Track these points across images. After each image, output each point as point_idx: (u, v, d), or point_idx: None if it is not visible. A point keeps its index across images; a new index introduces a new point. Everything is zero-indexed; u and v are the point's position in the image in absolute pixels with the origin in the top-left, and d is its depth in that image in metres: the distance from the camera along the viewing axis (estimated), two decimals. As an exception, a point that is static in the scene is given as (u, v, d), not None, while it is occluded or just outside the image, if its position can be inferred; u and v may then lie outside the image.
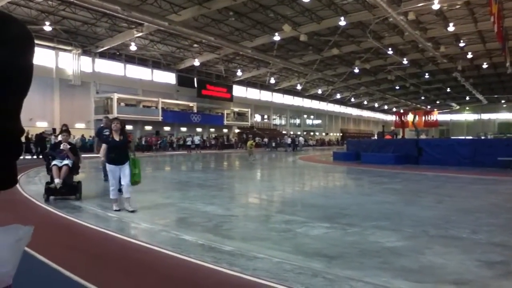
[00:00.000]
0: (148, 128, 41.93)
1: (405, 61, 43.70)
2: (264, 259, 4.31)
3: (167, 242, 5.08)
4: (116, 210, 7.02)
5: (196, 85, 47.22)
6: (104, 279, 3.76)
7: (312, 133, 70.37)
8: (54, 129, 29.68)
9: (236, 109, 53.54)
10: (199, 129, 47.85)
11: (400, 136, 37.73)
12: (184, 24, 30.32)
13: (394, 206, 7.82)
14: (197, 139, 40.53)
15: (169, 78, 45.30)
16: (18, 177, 0.73)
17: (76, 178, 8.72)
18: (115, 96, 37.22)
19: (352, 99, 74.38)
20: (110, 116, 18.06)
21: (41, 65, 31.55)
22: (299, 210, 7.75)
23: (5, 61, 0.65)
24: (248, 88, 56.53)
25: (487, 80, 60.68)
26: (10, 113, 0.68)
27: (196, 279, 3.87)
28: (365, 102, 79.78)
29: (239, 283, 3.73)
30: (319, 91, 64.05)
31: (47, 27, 29.24)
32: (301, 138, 50.95)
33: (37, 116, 30.62)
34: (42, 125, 30.99)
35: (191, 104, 46.91)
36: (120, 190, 8.70)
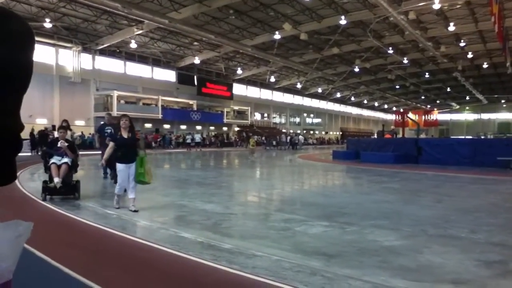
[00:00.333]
0: (148, 125, 41.93)
1: (405, 61, 43.71)
2: (263, 257, 4.32)
3: (166, 240, 5.08)
4: (116, 208, 6.91)
5: (196, 83, 47.22)
6: (103, 276, 3.76)
7: (312, 132, 70.37)
8: (53, 126, 29.66)
9: (236, 107, 53.55)
10: (198, 127, 47.87)
11: (399, 135, 37.72)
12: (184, 22, 30.30)
13: (393, 205, 7.83)
14: (198, 137, 40.55)
15: (169, 76, 45.27)
16: (18, 173, 0.73)
17: (75, 176, 8.37)
18: (115, 93, 37.22)
19: (352, 98, 74.38)
20: (112, 113, 17.99)
21: (41, 62, 31.52)
22: (298, 208, 7.76)
23: (5, 57, 0.65)
24: (248, 87, 56.52)
25: (487, 80, 60.69)
26: (10, 109, 0.68)
27: (195, 277, 3.87)
28: (365, 101, 79.78)
29: (238, 281, 3.73)
30: (319, 90, 64.04)
31: (47, 24, 29.22)
32: (300, 137, 50.98)
33: (37, 113, 30.62)
34: (41, 122, 30.98)
35: (191, 102, 46.90)
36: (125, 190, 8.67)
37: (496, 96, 70.65)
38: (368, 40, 36.16)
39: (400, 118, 38.82)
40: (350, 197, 9.33)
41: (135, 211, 6.69)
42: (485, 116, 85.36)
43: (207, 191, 9.63)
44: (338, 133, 77.24)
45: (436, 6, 26.62)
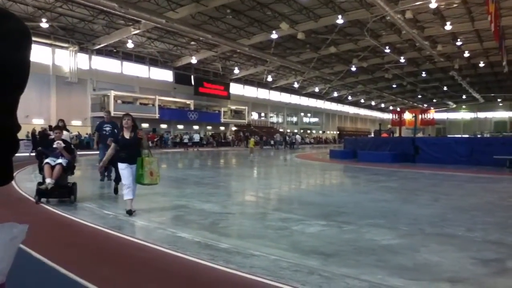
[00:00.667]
0: (145, 125, 41.88)
1: (402, 60, 43.81)
2: (260, 256, 4.32)
3: (164, 240, 5.07)
4: (127, 211, 6.46)
5: (193, 83, 47.19)
6: (100, 276, 3.76)
7: (309, 131, 70.41)
8: (50, 126, 29.58)
9: (233, 107, 53.53)
10: (196, 127, 47.83)
11: (396, 135, 37.77)
12: (182, 22, 30.27)
13: (390, 204, 7.84)
14: (197, 137, 40.50)
15: (166, 75, 45.23)
16: (14, 173, 0.72)
17: (72, 178, 8.03)
18: (112, 93, 37.16)
19: (349, 97, 74.48)
20: (112, 111, 17.78)
21: (37, 62, 31.45)
22: (296, 208, 7.77)
23: (1, 56, 0.65)
24: (245, 86, 56.51)
25: (484, 79, 60.88)
26: (6, 109, 0.68)
27: (192, 276, 3.87)
28: (362, 100, 79.89)
29: (235, 280, 3.73)
30: (316, 89, 64.09)
31: (44, 24, 29.14)
32: (298, 136, 51.03)
33: (34, 113, 30.55)
34: (38, 122, 30.87)
35: (188, 101, 46.87)
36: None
37: (492, 95, 70.88)
38: (365, 40, 36.21)
39: (397, 117, 38.88)
40: (347, 196, 9.34)
41: (129, 212, 6.41)
42: (481, 115, 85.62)
43: (204, 191, 9.62)
44: (335, 132, 77.33)
45: (433, 5, 26.67)
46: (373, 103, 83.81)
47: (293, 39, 37.23)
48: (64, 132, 9.66)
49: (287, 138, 47.76)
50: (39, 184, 7.47)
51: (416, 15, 31.25)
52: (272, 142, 47.40)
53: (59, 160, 7.56)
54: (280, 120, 65.53)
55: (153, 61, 43.16)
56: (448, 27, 32.00)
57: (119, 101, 38.76)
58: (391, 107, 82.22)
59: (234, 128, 54.39)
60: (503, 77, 54.50)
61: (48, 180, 7.25)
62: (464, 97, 73.68)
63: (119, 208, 7.07)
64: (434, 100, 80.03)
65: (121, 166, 6.55)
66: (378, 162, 18.61)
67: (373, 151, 21.22)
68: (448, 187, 10.87)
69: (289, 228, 5.73)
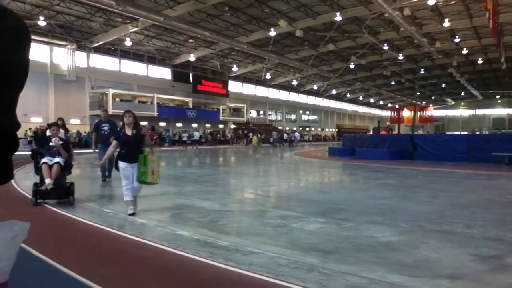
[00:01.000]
0: (144, 123, 41.83)
1: (400, 57, 43.79)
2: (259, 254, 4.32)
3: (163, 237, 5.08)
4: (130, 214, 6.30)
5: (191, 81, 47.11)
6: (99, 274, 3.75)
7: (308, 129, 70.42)
8: (48, 125, 29.55)
9: (232, 105, 53.49)
10: (194, 125, 47.79)
11: (395, 132, 37.83)
12: (179, 19, 30.20)
13: (389, 201, 7.85)
14: (197, 135, 40.49)
15: (164, 73, 45.17)
16: (14, 172, 0.72)
17: (69, 178, 7.81)
18: (110, 91, 37.12)
19: (348, 95, 74.47)
20: (110, 109, 17.61)
21: (35, 60, 31.35)
22: (295, 205, 7.77)
23: (0, 53, 0.64)
24: (244, 84, 56.47)
25: (482, 76, 60.95)
26: (5, 107, 0.67)
27: (192, 274, 3.87)
28: (361, 98, 79.93)
29: (235, 277, 3.73)
30: (315, 87, 64.08)
31: (42, 22, 29.04)
32: (297, 134, 51.06)
33: (32, 111, 30.47)
34: (37, 121, 30.87)
35: (186, 99, 46.82)
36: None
37: (491, 92, 70.93)
38: (363, 37, 36.20)
39: (395, 114, 38.94)
40: (346, 194, 9.34)
41: (131, 214, 6.26)
42: (480, 112, 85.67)
43: (203, 189, 9.63)
44: (334, 130, 77.36)
45: (431, 2, 26.68)
46: (371, 100, 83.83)
47: (291, 37, 37.20)
48: (61, 130, 9.48)
49: (286, 135, 47.82)
50: (36, 185, 7.17)
51: (414, 12, 31.22)
52: (271, 140, 47.48)
53: (57, 159, 7.30)
54: (279, 117, 65.52)
55: (151, 59, 43.09)
56: (446, 24, 32.01)
57: (117, 99, 38.71)
58: (389, 105, 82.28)
59: (233, 126, 54.37)
60: (501, 74, 54.54)
61: (47, 181, 6.96)
62: (462, 94, 73.74)
63: (118, 206, 7.06)
64: (433, 97, 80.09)
65: (122, 165, 6.33)
66: (377, 159, 18.62)
67: (371, 149, 21.23)
68: (447, 184, 10.88)
69: (288, 225, 5.74)
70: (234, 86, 53.87)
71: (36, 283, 3.58)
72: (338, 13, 29.99)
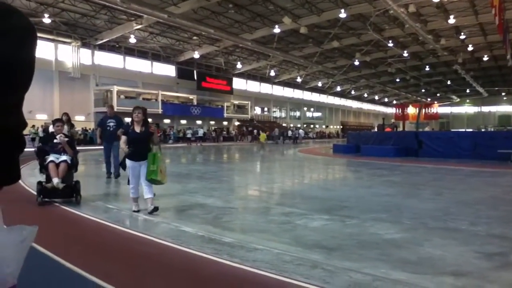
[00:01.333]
0: (148, 120, 41.81)
1: (405, 54, 43.61)
2: (263, 250, 4.33)
3: (167, 234, 5.10)
4: (135, 211, 6.28)
5: (196, 78, 47.12)
6: (104, 269, 3.78)
7: (312, 126, 70.31)
8: (53, 121, 29.63)
9: (236, 102, 53.47)
10: (199, 122, 47.83)
11: (400, 129, 37.68)
12: (184, 16, 30.20)
13: (393, 198, 7.84)
14: (201, 132, 40.54)
15: (168, 70, 45.20)
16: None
17: (74, 176, 7.51)
18: (115, 88, 37.20)
19: (352, 92, 74.26)
20: (115, 106, 17.33)
21: (40, 57, 31.42)
22: (299, 202, 7.77)
23: (5, 53, 0.63)
24: (248, 81, 56.42)
25: (488, 73, 60.58)
26: (11, 107, 0.66)
27: (196, 270, 3.89)
28: (365, 95, 79.66)
29: (239, 274, 3.75)
30: (319, 84, 63.94)
31: (46, 19, 29.14)
32: (301, 131, 51.02)
33: (37, 108, 30.57)
34: (42, 118, 30.98)
35: (191, 96, 46.84)
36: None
37: (496, 88, 70.55)
38: (368, 34, 36.05)
39: (400, 111, 38.76)
40: (350, 191, 9.34)
41: (155, 208, 6.11)
42: (485, 109, 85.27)
43: (207, 185, 9.65)
44: (338, 127, 77.19)
45: (436, -2, 26.53)
46: (376, 97, 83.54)
47: (296, 34, 37.10)
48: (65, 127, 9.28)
49: (291, 132, 47.83)
50: (40, 183, 6.91)
51: (419, 9, 31.07)
52: (278, 137, 47.57)
53: (64, 157, 7.04)
54: (283, 114, 65.44)
55: (156, 56, 43.11)
56: (451, 20, 31.78)
57: (122, 96, 38.79)
58: (394, 102, 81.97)
59: (237, 123, 54.37)
60: (507, 71, 54.15)
61: (55, 180, 6.70)
62: (468, 91, 73.36)
63: (122, 203, 7.09)
64: (438, 94, 79.70)
65: (129, 163, 6.24)
66: (381, 156, 18.57)
67: (376, 146, 21.17)
68: (451, 181, 10.84)
69: (292, 222, 5.75)
70: (238, 83, 53.84)
71: (41, 278, 3.61)
72: (342, 10, 29.87)
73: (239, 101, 53.78)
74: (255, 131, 46.70)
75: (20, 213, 6.01)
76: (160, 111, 41.71)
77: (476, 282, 3.49)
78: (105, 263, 4.05)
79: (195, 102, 46.91)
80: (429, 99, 76.28)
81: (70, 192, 6.98)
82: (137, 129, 6.30)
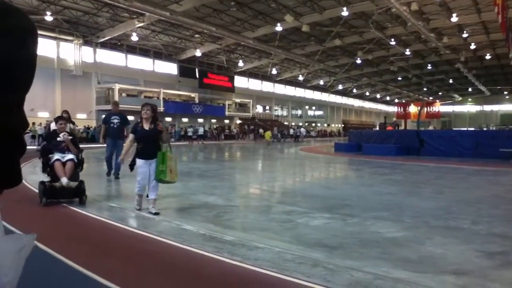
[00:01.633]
0: (157, 118, 41.73)
1: (407, 52, 43.49)
2: (265, 249, 4.34)
3: (168, 232, 5.11)
4: (137, 209, 6.25)
5: (197, 76, 47.09)
6: (105, 267, 3.79)
7: (314, 124, 70.24)
8: (55, 118, 29.66)
9: (238, 100, 53.39)
10: (200, 120, 47.82)
11: (401, 127, 37.66)
12: (186, 14, 30.16)
13: (395, 197, 7.84)
14: (201, 130, 40.57)
15: (170, 68, 45.18)
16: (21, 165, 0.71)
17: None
18: (117, 86, 37.16)
19: (354, 90, 74.08)
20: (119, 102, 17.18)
21: (42, 55, 31.44)
22: (300, 200, 7.77)
23: (5, 52, 0.62)
24: (250, 79, 56.35)
25: (490, 72, 60.40)
26: (11, 107, 0.65)
27: (197, 268, 3.90)
28: (367, 93, 79.49)
29: (240, 272, 3.76)
30: (321, 82, 63.83)
31: (48, 17, 29.13)
32: (302, 129, 51.01)
33: (39, 106, 30.61)
34: (43, 116, 31.01)
35: (192, 94, 46.82)
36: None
37: (499, 87, 70.32)
38: (370, 32, 35.95)
39: (402, 110, 38.74)
40: (352, 189, 9.34)
41: (155, 213, 5.99)
42: (487, 107, 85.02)
43: (209, 184, 9.65)
44: (340, 125, 77.10)
45: (439, -4, 26.45)
46: (378, 96, 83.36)
47: (298, 32, 37.03)
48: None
49: (292, 131, 47.91)
50: (43, 183, 6.63)
51: (422, 7, 30.95)
52: (279, 136, 47.64)
53: (70, 156, 6.82)
54: (285, 113, 65.37)
55: (158, 54, 43.10)
56: (454, 19, 31.68)
57: (123, 94, 38.75)
58: (396, 100, 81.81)
59: (238, 121, 54.35)
60: (509, 70, 53.99)
61: (64, 180, 6.49)
62: (470, 89, 73.14)
63: (125, 201, 7.10)
64: (440, 93, 79.49)
65: (139, 163, 6.10)
66: (383, 155, 18.56)
67: (378, 144, 21.16)
68: (453, 180, 10.84)
69: (293, 220, 5.75)
70: (240, 81, 53.78)
71: (43, 276, 3.62)
72: (344, 8, 29.80)
73: (240, 99, 53.72)
74: (260, 130, 46.83)
75: (22, 212, 6.02)
76: (162, 109, 41.63)
77: (477, 281, 3.49)
78: (106, 261, 4.06)
79: (196, 100, 46.88)
80: (431, 98, 76.13)
81: (75, 192, 6.73)
82: (146, 126, 6.18)
